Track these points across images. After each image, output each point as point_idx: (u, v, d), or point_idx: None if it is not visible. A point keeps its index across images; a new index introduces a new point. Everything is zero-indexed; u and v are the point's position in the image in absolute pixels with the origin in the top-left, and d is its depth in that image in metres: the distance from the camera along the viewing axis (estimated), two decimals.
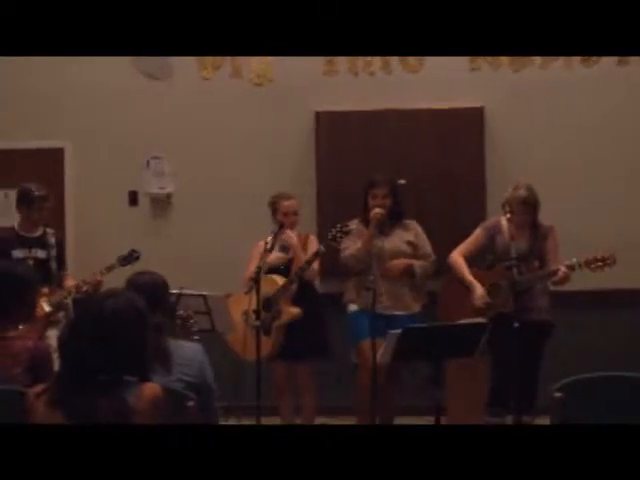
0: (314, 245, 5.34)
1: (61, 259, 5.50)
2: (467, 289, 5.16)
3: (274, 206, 5.36)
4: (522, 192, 4.99)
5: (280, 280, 5.18)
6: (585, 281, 5.60)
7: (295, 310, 5.18)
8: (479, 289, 5.07)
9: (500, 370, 5.09)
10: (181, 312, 3.95)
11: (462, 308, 5.08)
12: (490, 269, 5.16)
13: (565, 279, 4.92)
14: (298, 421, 5.48)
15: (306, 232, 5.48)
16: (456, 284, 5.27)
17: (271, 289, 5.11)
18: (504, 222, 5.11)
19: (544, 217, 5.23)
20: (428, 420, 4.78)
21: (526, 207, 4.99)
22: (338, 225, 5.11)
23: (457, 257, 5.20)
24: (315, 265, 5.28)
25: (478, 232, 5.23)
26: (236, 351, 5.26)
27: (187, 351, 3.49)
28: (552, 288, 5.13)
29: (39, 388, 2.72)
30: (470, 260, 5.22)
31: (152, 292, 3.35)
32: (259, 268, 4.88)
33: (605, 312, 6.08)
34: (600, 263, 4.82)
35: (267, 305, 5.04)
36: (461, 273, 5.16)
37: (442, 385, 5.10)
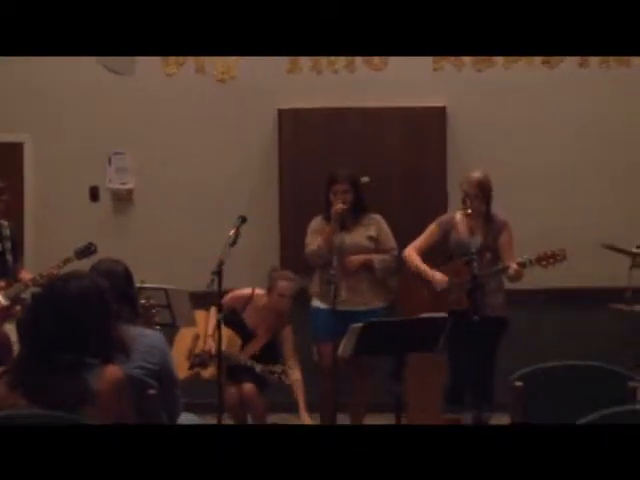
0: (288, 338, 5.35)
1: (17, 252, 5.43)
2: (423, 283, 5.18)
3: (273, 281, 5.30)
4: (477, 174, 5.09)
5: (235, 345, 5.20)
6: (547, 280, 5.73)
7: (215, 374, 4.96)
8: (437, 274, 5.10)
9: (456, 367, 5.13)
10: (143, 301, 3.92)
11: (418, 303, 5.11)
12: (443, 265, 5.19)
13: (517, 276, 4.97)
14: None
15: (287, 319, 5.42)
16: (411, 279, 5.29)
17: (226, 347, 5.01)
18: (458, 217, 5.17)
19: (503, 216, 5.29)
20: (389, 417, 4.80)
21: (479, 189, 5.04)
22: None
23: (411, 251, 5.24)
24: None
25: (432, 227, 5.27)
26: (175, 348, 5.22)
27: (148, 339, 3.46)
28: (507, 286, 5.19)
29: None
30: (424, 256, 5.25)
31: (114, 278, 3.33)
32: (222, 261, 4.83)
33: (564, 311, 6.15)
34: (551, 260, 4.87)
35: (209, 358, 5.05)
36: (415, 265, 5.19)
37: (402, 380, 5.13)
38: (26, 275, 5.33)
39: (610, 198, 6.22)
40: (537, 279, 5.96)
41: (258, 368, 5.13)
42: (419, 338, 4.69)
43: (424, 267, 5.17)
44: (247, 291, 5.35)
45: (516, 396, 3.44)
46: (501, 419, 4.01)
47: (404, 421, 5.33)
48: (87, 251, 5.22)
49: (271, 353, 5.34)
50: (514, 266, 4.93)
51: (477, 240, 5.03)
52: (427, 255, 5.25)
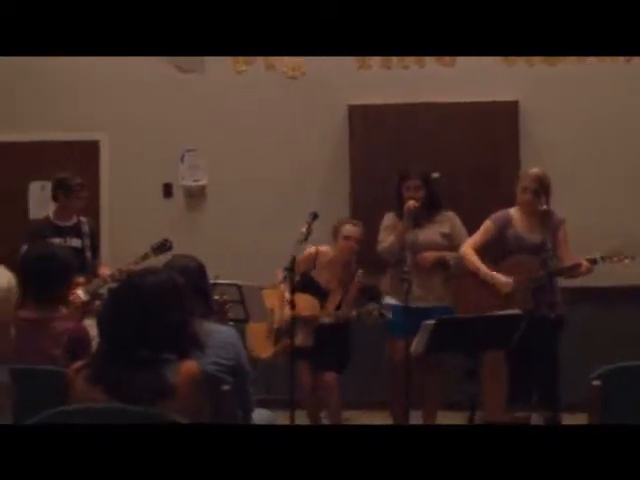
0: (360, 283, 5.32)
1: (95, 248, 5.55)
2: (482, 283, 5.11)
3: (337, 228, 5.30)
4: (536, 169, 5.03)
5: (311, 306, 5.16)
6: (612, 277, 5.63)
7: (306, 341, 5.12)
8: (501, 277, 5.02)
9: (524, 366, 5.05)
10: (217, 297, 3.95)
11: (475, 302, 5.05)
12: (503, 261, 5.11)
13: (586, 273, 4.90)
14: (324, 414, 5.47)
15: (357, 267, 5.40)
16: (469, 278, 5.22)
17: (305, 311, 5.06)
18: (514, 214, 5.10)
19: (575, 213, 5.20)
20: (462, 415, 4.76)
21: (537, 184, 4.96)
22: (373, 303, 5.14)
23: (469, 250, 5.16)
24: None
25: (487, 224, 5.19)
26: (251, 346, 5.24)
27: (222, 335, 3.50)
28: (573, 284, 5.11)
29: (78, 364, 2.74)
30: (479, 253, 5.18)
31: (189, 274, 3.36)
32: (294, 258, 4.83)
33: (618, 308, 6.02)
34: (622, 256, 4.79)
35: (289, 325, 4.96)
36: (476, 266, 5.11)
37: (477, 379, 5.08)
38: (105, 271, 5.42)
39: None
40: (602, 276, 5.88)
41: (354, 312, 5.07)
42: (493, 336, 4.63)
43: (485, 269, 5.09)
44: (311, 250, 5.28)
45: (594, 396, 3.37)
46: (576, 419, 3.92)
47: (477, 420, 5.29)
48: (163, 247, 5.29)
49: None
50: (586, 263, 4.85)
51: (536, 236, 4.96)
52: (481, 253, 5.17)
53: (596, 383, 3.37)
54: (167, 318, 2.70)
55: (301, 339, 5.09)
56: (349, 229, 5.27)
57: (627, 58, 6.00)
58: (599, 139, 6.14)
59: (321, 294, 5.26)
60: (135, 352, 2.65)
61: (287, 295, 4.92)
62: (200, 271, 3.60)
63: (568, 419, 4.78)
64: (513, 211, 5.14)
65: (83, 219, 5.53)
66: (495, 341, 4.67)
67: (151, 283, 2.72)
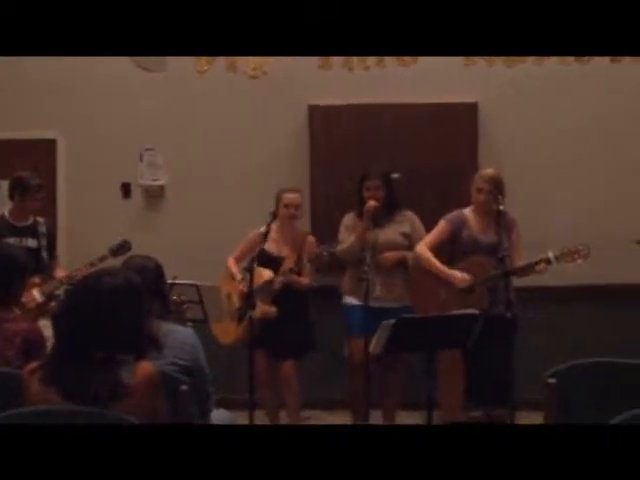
0: (312, 246, 5.32)
1: (52, 249, 5.49)
2: (438, 283, 5.15)
3: (278, 198, 5.37)
4: (490, 170, 5.10)
5: (267, 275, 5.16)
6: (577, 276, 5.70)
7: (268, 308, 5.13)
8: (457, 273, 5.06)
9: (476, 366, 5.10)
10: (174, 298, 3.94)
11: (431, 301, 5.08)
12: (462, 262, 5.15)
13: (541, 273, 4.96)
14: (283, 414, 5.47)
15: (306, 232, 5.45)
16: (425, 277, 5.24)
17: (256, 282, 5.07)
18: (468, 214, 5.15)
19: (536, 211, 5.25)
20: (421, 414, 4.78)
21: (493, 185, 5.01)
22: (325, 245, 5.12)
23: (424, 249, 5.20)
24: (308, 271, 5.30)
25: (442, 224, 5.23)
26: (215, 335, 5.26)
27: (180, 335, 3.48)
28: (540, 283, 5.16)
29: (33, 365, 2.71)
30: (435, 252, 5.22)
31: (146, 274, 3.35)
32: (253, 258, 4.87)
33: (595, 308, 6.09)
34: (575, 255, 4.84)
35: (248, 297, 4.98)
36: (432, 264, 5.15)
37: (434, 377, 5.11)
38: (61, 272, 5.37)
39: None
40: (566, 276, 5.95)
41: (319, 249, 5.08)
42: (451, 335, 4.68)
43: (441, 267, 5.12)
44: (252, 234, 5.27)
45: (549, 394, 3.41)
46: (531, 417, 3.97)
47: (435, 419, 5.32)
48: (122, 249, 5.25)
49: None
50: (542, 265, 4.90)
51: (490, 236, 5.01)
52: (436, 252, 5.21)
53: (551, 381, 3.41)
54: (123, 319, 2.69)
55: (262, 309, 5.08)
56: (288, 197, 5.33)
57: (587, 59, 6.06)
58: (557, 140, 6.20)
59: (276, 264, 5.25)
60: (91, 353, 2.63)
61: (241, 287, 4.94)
62: (157, 271, 3.58)
63: (523, 418, 4.83)
64: (468, 211, 5.18)
65: (40, 219, 5.48)
66: (452, 340, 4.72)
67: (107, 284, 2.70)
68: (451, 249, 5.18)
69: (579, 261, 4.85)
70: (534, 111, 6.18)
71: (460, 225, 5.14)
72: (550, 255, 4.87)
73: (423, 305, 5.13)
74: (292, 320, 5.23)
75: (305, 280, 5.29)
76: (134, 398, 2.61)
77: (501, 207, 4.95)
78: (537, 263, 4.91)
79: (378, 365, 5.29)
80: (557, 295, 5.94)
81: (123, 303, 2.69)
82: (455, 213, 5.26)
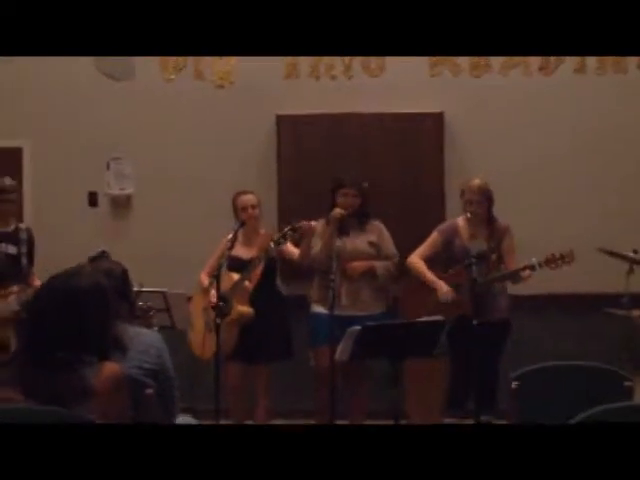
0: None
1: (32, 256, 5.42)
2: (427, 290, 5.19)
3: (234, 203, 5.38)
4: (477, 181, 5.13)
5: (237, 277, 5.17)
6: (544, 284, 5.77)
7: (244, 309, 5.12)
8: (443, 285, 5.11)
9: (459, 371, 5.12)
10: (141, 303, 3.92)
11: (423, 309, 5.10)
12: (447, 271, 5.20)
13: (526, 279, 5.00)
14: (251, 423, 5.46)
15: (269, 231, 5.46)
16: (416, 286, 5.30)
17: (228, 286, 5.09)
18: (461, 224, 5.19)
19: (502, 219, 5.29)
20: (389, 424, 4.79)
21: (481, 195, 5.07)
22: (289, 225, 5.12)
23: (415, 259, 5.25)
24: (292, 253, 5.28)
25: (434, 235, 5.28)
26: (196, 351, 5.25)
27: (146, 338, 3.46)
28: (510, 291, 5.21)
29: None
30: (428, 263, 5.27)
31: (113, 278, 3.34)
32: (220, 265, 4.88)
33: (562, 316, 6.15)
34: (559, 261, 4.90)
35: (222, 302, 4.98)
36: (422, 274, 5.21)
37: (400, 385, 5.13)
38: (37, 282, 5.30)
39: (607, 204, 6.23)
40: (535, 285, 6.00)
41: (276, 236, 5.06)
42: (417, 342, 4.69)
43: (430, 276, 5.19)
44: (220, 245, 5.26)
45: (512, 396, 3.45)
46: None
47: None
48: (100, 259, 5.20)
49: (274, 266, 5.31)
50: (527, 272, 4.95)
51: (481, 245, 5.06)
52: (429, 263, 5.25)
53: (514, 384, 3.45)
54: (89, 320, 2.69)
55: (238, 310, 5.08)
56: (243, 199, 5.33)
57: (554, 67, 6.15)
58: (522, 149, 6.27)
59: (245, 267, 5.22)
60: (55, 353, 2.63)
61: (213, 300, 4.93)
62: (124, 276, 3.57)
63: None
64: (460, 220, 5.23)
65: (22, 226, 5.43)
66: (419, 347, 4.73)
67: (74, 284, 2.70)
68: (445, 258, 5.22)
69: (563, 267, 4.91)
70: (499, 121, 6.25)
71: (452, 234, 5.19)
72: (534, 261, 4.92)
73: (412, 313, 5.15)
74: (269, 322, 5.22)
75: (292, 250, 5.28)
76: (98, 399, 2.61)
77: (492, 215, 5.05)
78: (522, 270, 4.96)
79: (344, 374, 5.30)
80: (524, 303, 6.00)
81: (89, 304, 2.69)
82: (447, 223, 5.34)
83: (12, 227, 5.35)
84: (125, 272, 3.59)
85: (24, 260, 5.30)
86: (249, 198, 5.35)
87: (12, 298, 4.93)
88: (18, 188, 5.40)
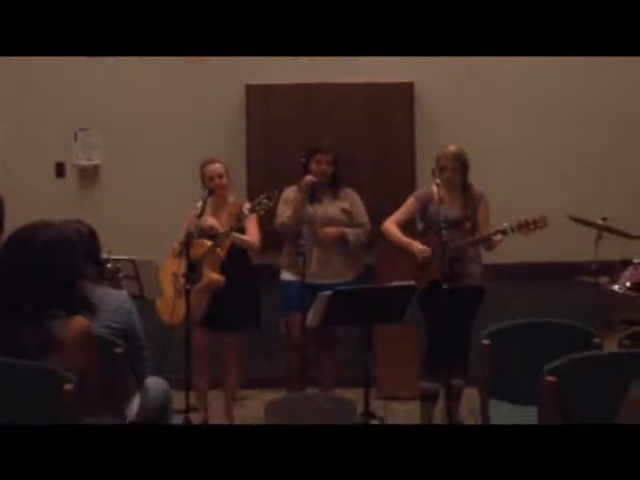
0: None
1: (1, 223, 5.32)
2: (401, 257, 5.17)
3: (201, 172, 5.34)
4: (452, 147, 5.10)
5: (208, 245, 5.14)
6: (519, 254, 5.83)
7: (215, 276, 5.08)
8: (418, 244, 5.08)
9: (433, 337, 5.11)
10: (110, 265, 3.88)
11: (397, 276, 5.09)
12: (421, 237, 5.19)
13: (498, 244, 5.00)
14: (216, 393, 5.43)
15: (238, 200, 5.42)
16: (390, 253, 5.28)
17: (199, 253, 5.05)
18: (435, 190, 5.17)
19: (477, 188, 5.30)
20: (358, 391, 4.79)
21: (456, 161, 5.05)
22: (264, 193, 5.09)
23: (390, 224, 5.22)
24: (253, 231, 5.25)
25: (410, 201, 5.25)
26: (163, 317, 5.21)
27: (114, 299, 3.44)
28: (486, 261, 5.22)
29: None
30: (402, 230, 5.24)
31: (80, 237, 3.30)
32: (190, 232, 4.85)
33: (531, 285, 6.19)
34: (532, 226, 4.89)
35: (193, 269, 4.95)
36: (396, 237, 5.16)
37: (371, 352, 5.14)
38: None
39: (575, 173, 6.27)
40: (508, 253, 6.03)
41: (247, 209, 5.01)
42: (387, 307, 4.69)
43: (405, 239, 5.14)
44: (189, 214, 5.16)
45: (484, 354, 3.46)
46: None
47: (372, 394, 5.35)
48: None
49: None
50: (499, 236, 4.94)
51: (456, 211, 5.05)
52: (404, 229, 5.23)
53: (486, 342, 3.46)
54: (56, 272, 2.65)
55: (209, 277, 5.05)
56: (210, 169, 5.28)
57: None
58: (491, 119, 6.28)
59: (214, 235, 5.17)
60: (22, 306, 2.59)
61: (183, 268, 4.89)
62: (92, 236, 3.54)
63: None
64: (435, 188, 5.20)
65: None
66: (389, 312, 4.73)
67: (40, 236, 2.66)
68: (421, 225, 5.19)
69: (536, 232, 4.90)
70: (469, 90, 6.25)
71: (427, 201, 5.15)
72: (506, 226, 4.91)
73: (386, 280, 5.12)
74: (239, 291, 5.19)
75: (251, 237, 5.24)
76: (66, 352, 2.58)
77: (467, 182, 5.03)
78: (494, 234, 4.95)
79: (315, 341, 5.29)
80: (497, 271, 6.04)
81: (56, 256, 2.65)
82: (423, 189, 5.28)
83: None
84: (93, 233, 3.57)
85: None
86: (216, 167, 5.30)
87: None
88: None
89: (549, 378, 2.64)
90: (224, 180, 5.28)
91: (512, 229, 4.89)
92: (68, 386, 2.51)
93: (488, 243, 5.02)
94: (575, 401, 2.65)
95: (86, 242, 3.40)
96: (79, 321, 2.65)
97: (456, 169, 5.05)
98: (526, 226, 4.89)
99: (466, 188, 5.13)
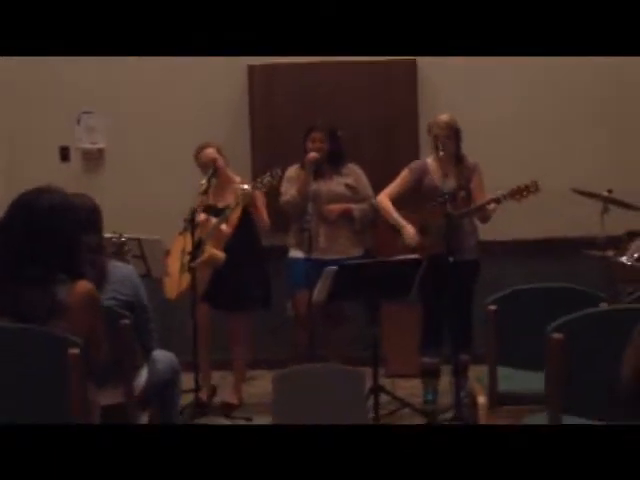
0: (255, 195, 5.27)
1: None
2: (397, 231, 5.17)
3: (197, 161, 5.36)
4: (444, 116, 5.10)
5: (214, 222, 5.13)
6: (519, 230, 5.84)
7: (215, 252, 5.05)
8: (409, 228, 5.08)
9: (433, 311, 5.11)
10: (115, 238, 3.87)
11: (395, 250, 5.08)
12: (418, 210, 5.17)
13: (492, 212, 4.99)
14: (225, 373, 5.43)
15: (244, 180, 5.41)
16: (386, 226, 5.26)
17: (205, 230, 5.05)
18: (430, 162, 5.16)
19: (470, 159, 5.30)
20: (366, 371, 4.78)
21: (449, 130, 5.04)
22: (268, 172, 5.09)
23: (383, 199, 5.20)
24: (261, 210, 5.25)
25: (404, 173, 5.23)
26: (167, 293, 5.20)
27: (121, 271, 3.44)
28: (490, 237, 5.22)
29: None
30: (397, 202, 5.22)
31: (85, 209, 3.30)
32: (194, 209, 4.85)
33: (537, 261, 6.17)
34: (524, 192, 4.86)
35: (198, 246, 4.95)
36: (388, 214, 5.16)
37: (378, 328, 5.13)
38: None
39: (579, 146, 6.25)
40: (509, 230, 6.02)
41: (247, 186, 5.01)
42: (394, 281, 4.69)
43: (397, 216, 5.13)
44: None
45: (490, 320, 3.46)
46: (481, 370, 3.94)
47: (381, 371, 5.35)
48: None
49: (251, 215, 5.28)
50: (492, 205, 4.91)
51: (451, 182, 5.03)
52: (399, 201, 5.22)
53: (492, 307, 3.46)
54: (60, 237, 2.64)
55: (210, 252, 5.03)
56: (206, 153, 5.28)
57: None
58: (493, 93, 6.25)
59: (220, 214, 5.18)
60: (27, 270, 2.59)
61: (189, 247, 4.89)
62: (95, 208, 3.53)
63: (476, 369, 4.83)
64: (430, 159, 5.19)
65: None
66: (396, 287, 4.73)
67: (45, 201, 2.66)
68: (415, 197, 5.17)
69: (528, 197, 4.87)
70: (472, 67, 6.21)
71: (422, 173, 5.14)
72: (499, 194, 4.88)
73: (386, 253, 5.11)
74: (247, 270, 5.19)
75: (264, 219, 5.25)
76: (71, 315, 2.57)
77: (459, 152, 5.02)
78: (487, 203, 4.93)
79: (322, 318, 5.29)
80: (502, 248, 6.04)
81: (60, 221, 2.65)
82: (417, 162, 5.27)
83: None
84: (96, 205, 3.56)
85: None
86: (209, 152, 5.30)
87: None
88: None
89: (556, 335, 2.63)
90: (220, 161, 5.28)
91: (504, 197, 4.86)
92: (74, 350, 2.51)
93: (482, 213, 5.00)
94: (582, 358, 2.64)
95: (90, 212, 3.41)
96: (83, 285, 2.65)
97: (449, 137, 5.03)
98: (519, 192, 4.86)
99: (459, 159, 5.10)
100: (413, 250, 4.97)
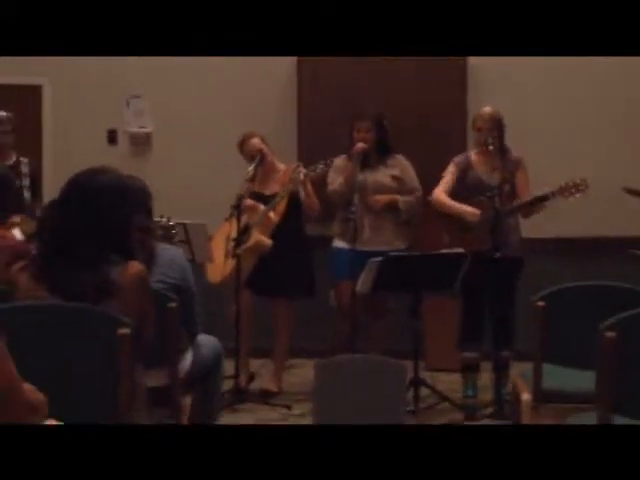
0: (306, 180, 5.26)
1: (36, 189, 5.40)
2: (445, 225, 5.12)
3: (241, 150, 5.38)
4: (488, 108, 5.06)
5: (262, 209, 5.15)
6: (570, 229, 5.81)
7: (262, 238, 5.07)
8: (468, 208, 5.01)
9: (476, 306, 5.06)
10: (164, 221, 3.89)
11: (436, 248, 5.06)
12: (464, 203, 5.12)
13: (539, 210, 4.94)
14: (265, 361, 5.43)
15: (290, 165, 5.40)
16: (433, 222, 5.23)
17: (253, 217, 5.07)
18: (474, 156, 5.12)
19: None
20: (407, 364, 4.76)
21: (492, 122, 4.98)
22: (322, 160, 5.11)
23: (440, 194, 5.14)
24: (310, 194, 5.25)
25: (451, 168, 5.17)
26: (209, 277, 5.22)
27: (169, 253, 3.46)
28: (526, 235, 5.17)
29: (21, 263, 2.69)
30: (450, 196, 5.18)
31: (136, 190, 3.32)
32: (241, 196, 4.86)
33: (585, 260, 6.10)
34: (573, 190, 4.80)
35: (244, 233, 4.97)
36: (450, 206, 5.08)
37: (421, 321, 5.10)
38: None
39: (623, 146, 6.18)
40: (556, 228, 5.96)
41: (302, 173, 5.04)
42: (438, 274, 4.68)
43: (457, 205, 5.05)
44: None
45: (538, 315, 3.42)
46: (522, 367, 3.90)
47: (422, 365, 5.32)
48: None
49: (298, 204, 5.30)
50: (538, 201, 4.86)
51: (495, 176, 4.98)
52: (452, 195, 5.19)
53: (540, 303, 3.42)
54: (113, 217, 2.66)
55: (257, 238, 5.06)
56: (252, 143, 5.29)
57: None
58: (544, 93, 6.20)
59: (268, 201, 5.21)
60: (80, 250, 2.61)
61: (234, 233, 4.90)
62: (146, 191, 3.55)
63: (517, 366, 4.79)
64: (473, 153, 5.15)
65: (24, 159, 5.40)
66: (439, 280, 4.72)
67: (99, 182, 2.68)
68: (458, 190, 5.12)
69: (577, 195, 4.80)
70: (522, 67, 6.16)
71: (466, 166, 5.10)
72: (547, 191, 4.82)
73: (427, 249, 5.08)
74: (292, 258, 5.21)
75: (313, 202, 5.27)
76: (123, 296, 2.59)
77: (504, 145, 4.98)
78: (535, 201, 4.87)
79: (365, 309, 5.28)
80: (546, 246, 5.98)
81: (114, 201, 2.67)
82: (460, 155, 5.22)
83: (12, 160, 5.32)
84: (147, 187, 3.58)
85: (27, 193, 5.27)
86: (255, 142, 5.30)
87: (16, 230, 4.92)
88: (12, 120, 5.33)
89: (609, 334, 2.60)
90: (265, 149, 5.28)
91: (553, 194, 4.80)
92: (124, 330, 2.53)
93: (528, 209, 4.94)
94: (634, 357, 2.61)
95: (141, 194, 3.43)
96: (135, 266, 2.67)
97: (492, 130, 4.98)
98: (567, 189, 4.79)
99: (503, 152, 5.04)
100: (458, 244, 4.93)
